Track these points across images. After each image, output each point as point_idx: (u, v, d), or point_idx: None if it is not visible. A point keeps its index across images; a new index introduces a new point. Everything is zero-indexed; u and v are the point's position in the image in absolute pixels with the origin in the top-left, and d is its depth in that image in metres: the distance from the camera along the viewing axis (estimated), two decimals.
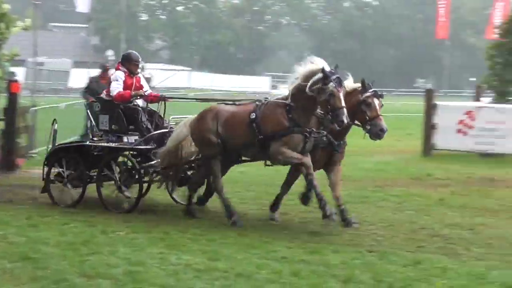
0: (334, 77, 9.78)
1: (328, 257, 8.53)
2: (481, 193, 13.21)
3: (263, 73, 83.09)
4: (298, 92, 10.12)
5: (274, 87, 64.18)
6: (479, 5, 78.67)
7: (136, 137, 11.39)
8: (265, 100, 10.52)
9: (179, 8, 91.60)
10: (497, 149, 17.29)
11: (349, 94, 10.11)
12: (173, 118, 11.76)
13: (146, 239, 9.34)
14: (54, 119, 12.14)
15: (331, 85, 9.75)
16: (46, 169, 11.86)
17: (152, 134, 11.26)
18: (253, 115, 10.35)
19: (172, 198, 11.87)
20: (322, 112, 10.12)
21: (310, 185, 10.20)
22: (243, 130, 10.41)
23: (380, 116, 10.20)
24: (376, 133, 10.16)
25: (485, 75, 21.20)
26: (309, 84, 9.88)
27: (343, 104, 9.76)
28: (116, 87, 11.46)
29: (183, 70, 72.53)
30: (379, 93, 10.34)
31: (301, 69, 10.24)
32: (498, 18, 27.24)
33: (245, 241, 9.33)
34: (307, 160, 10.14)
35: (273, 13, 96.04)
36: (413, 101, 39.98)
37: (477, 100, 20.20)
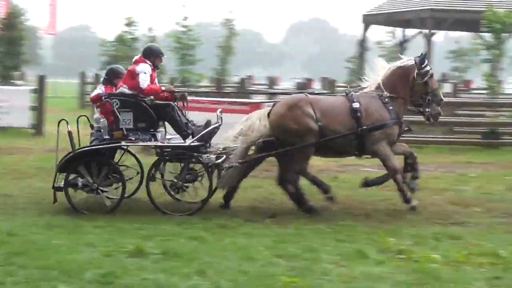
0: (426, 60, 9.42)
1: None
2: None
3: None
4: (395, 83, 9.30)
5: None
6: None
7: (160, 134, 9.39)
8: (353, 91, 9.39)
9: None
10: (2, 123, 17.87)
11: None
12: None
13: None
14: (63, 120, 9.20)
15: (428, 67, 9.32)
16: (60, 176, 9.14)
17: (208, 130, 9.24)
18: (356, 105, 9.09)
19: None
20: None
21: (398, 185, 9.18)
22: (346, 119, 9.09)
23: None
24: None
25: None
26: (417, 70, 9.24)
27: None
28: (145, 80, 9.26)
29: None
30: None
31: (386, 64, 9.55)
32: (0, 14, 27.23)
33: None
34: (398, 167, 9.24)
35: None
36: None
37: None
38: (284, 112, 9.11)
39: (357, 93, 9.40)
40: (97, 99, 9.76)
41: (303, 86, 15.77)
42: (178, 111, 9.44)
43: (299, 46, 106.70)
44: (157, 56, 9.69)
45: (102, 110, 9.60)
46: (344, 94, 9.52)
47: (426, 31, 25.61)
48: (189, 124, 9.43)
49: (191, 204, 9.14)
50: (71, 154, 9.12)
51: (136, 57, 9.79)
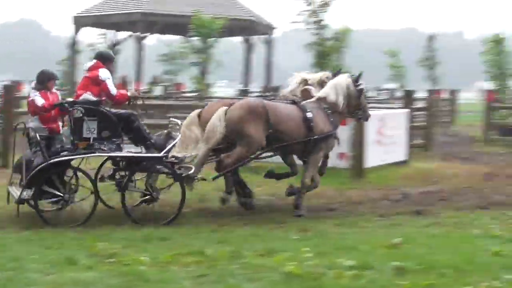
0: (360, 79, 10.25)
1: None
2: None
3: None
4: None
5: None
6: None
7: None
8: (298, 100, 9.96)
9: None
10: None
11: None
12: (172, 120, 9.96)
13: None
14: (23, 123, 9.26)
15: (362, 85, 10.19)
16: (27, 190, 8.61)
17: (176, 141, 9.24)
18: (309, 114, 9.61)
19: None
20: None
21: (298, 194, 9.78)
22: (300, 127, 9.55)
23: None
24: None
25: None
26: (352, 87, 10.08)
27: None
28: (113, 86, 9.25)
29: None
30: None
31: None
32: None
33: None
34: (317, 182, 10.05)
35: None
36: None
37: None
38: (243, 115, 9.24)
39: (307, 103, 9.84)
40: (49, 107, 9.11)
41: (10, 89, 14.94)
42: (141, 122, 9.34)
43: (8, 48, 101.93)
44: (111, 61, 9.78)
45: (44, 118, 9.18)
46: (290, 102, 9.91)
47: (138, 34, 25.97)
48: (150, 134, 9.33)
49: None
50: (44, 164, 8.62)
51: (90, 64, 9.54)
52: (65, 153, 8.89)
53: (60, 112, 9.17)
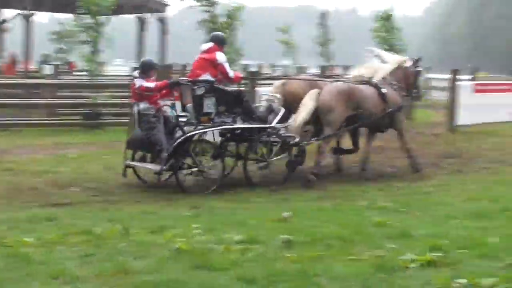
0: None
1: None
2: None
3: None
4: (400, 76, 11.42)
5: None
6: None
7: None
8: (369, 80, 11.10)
9: None
10: None
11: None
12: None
13: None
14: None
15: (420, 67, 11.79)
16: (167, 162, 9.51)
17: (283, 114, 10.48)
18: (384, 90, 10.91)
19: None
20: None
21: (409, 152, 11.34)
22: (380, 103, 10.84)
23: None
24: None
25: None
26: (412, 68, 11.63)
27: None
28: (229, 68, 10.46)
29: None
30: None
31: (389, 59, 11.67)
32: None
33: None
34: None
35: None
36: None
37: None
38: (334, 98, 10.41)
39: (378, 81, 11.04)
40: (162, 86, 9.97)
41: None
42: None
43: None
44: (225, 44, 10.93)
45: (151, 101, 9.92)
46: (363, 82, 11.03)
47: (26, 12, 25.04)
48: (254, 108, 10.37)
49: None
50: (183, 137, 9.56)
51: (207, 46, 10.56)
52: (189, 127, 9.77)
53: (168, 92, 10.18)
